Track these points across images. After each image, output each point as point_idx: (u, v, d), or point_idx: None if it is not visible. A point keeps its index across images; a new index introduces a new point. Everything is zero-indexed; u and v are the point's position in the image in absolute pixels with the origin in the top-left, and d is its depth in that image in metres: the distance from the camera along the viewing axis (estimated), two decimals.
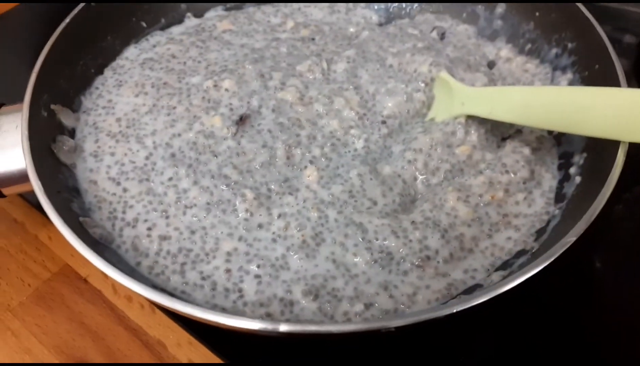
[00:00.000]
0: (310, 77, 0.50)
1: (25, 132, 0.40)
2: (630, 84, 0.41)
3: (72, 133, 0.46)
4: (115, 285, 0.44)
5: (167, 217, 0.41)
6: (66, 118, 0.46)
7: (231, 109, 0.47)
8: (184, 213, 0.41)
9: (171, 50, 0.54)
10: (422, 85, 0.48)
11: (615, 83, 0.41)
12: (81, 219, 0.39)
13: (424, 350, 0.40)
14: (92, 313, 0.43)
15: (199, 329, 0.41)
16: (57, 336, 0.42)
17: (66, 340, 0.42)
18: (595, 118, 0.37)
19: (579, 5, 0.47)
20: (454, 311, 0.30)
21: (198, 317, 0.31)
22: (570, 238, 0.33)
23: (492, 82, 0.50)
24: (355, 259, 0.39)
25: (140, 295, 0.40)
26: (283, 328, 0.30)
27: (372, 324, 0.31)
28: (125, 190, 0.43)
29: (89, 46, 0.49)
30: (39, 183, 0.37)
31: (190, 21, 0.58)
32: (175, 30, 0.57)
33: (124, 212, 0.42)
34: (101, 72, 0.51)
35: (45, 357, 0.41)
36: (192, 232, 0.41)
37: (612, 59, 0.42)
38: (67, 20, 0.47)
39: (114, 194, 0.43)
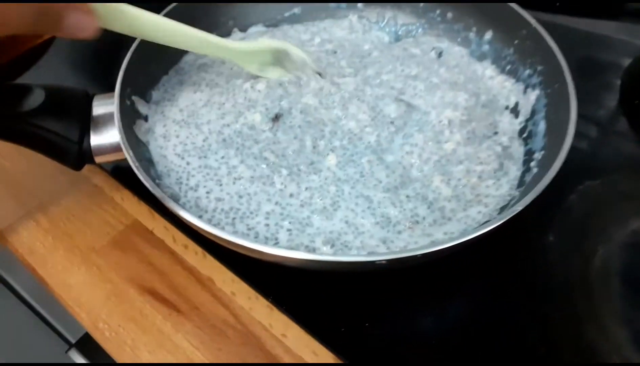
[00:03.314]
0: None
1: (118, 116, 0.52)
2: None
3: (145, 118, 0.59)
4: (174, 236, 0.57)
5: (220, 185, 0.54)
6: (142, 107, 0.59)
7: (267, 109, 0.60)
8: (234, 183, 0.55)
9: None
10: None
11: (566, 97, 0.54)
12: (157, 182, 0.52)
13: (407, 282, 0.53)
14: (157, 256, 0.56)
15: (241, 268, 0.54)
16: (131, 271, 0.55)
17: (138, 273, 0.55)
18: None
19: (547, 37, 0.60)
20: (422, 253, 0.43)
21: (249, 247, 0.44)
22: (518, 207, 0.46)
23: (474, 96, 0.62)
24: (362, 221, 0.52)
25: (194, 244, 0.54)
26: (311, 257, 0.43)
27: (370, 257, 0.44)
28: (188, 163, 0.56)
29: (159, 52, 0.62)
30: (130, 152, 0.50)
31: (236, 35, 0.71)
32: None
33: (187, 179, 0.55)
34: (166, 72, 0.64)
35: (122, 286, 0.54)
36: (240, 196, 0.54)
37: (567, 80, 0.55)
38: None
39: (179, 165, 0.56)
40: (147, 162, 0.55)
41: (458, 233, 0.52)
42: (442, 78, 0.64)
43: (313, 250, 0.50)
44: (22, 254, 0.56)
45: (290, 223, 0.52)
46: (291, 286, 0.52)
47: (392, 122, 0.60)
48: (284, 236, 0.51)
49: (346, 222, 0.52)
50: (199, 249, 0.56)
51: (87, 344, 0.86)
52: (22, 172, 0.63)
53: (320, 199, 0.53)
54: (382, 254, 0.46)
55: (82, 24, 0.43)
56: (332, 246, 0.50)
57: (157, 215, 0.59)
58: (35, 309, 0.96)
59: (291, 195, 0.54)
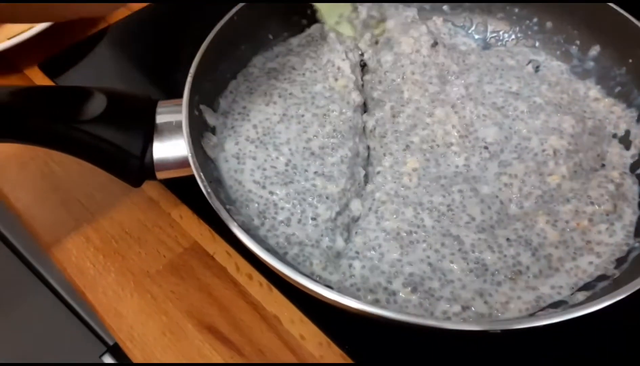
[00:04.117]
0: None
1: (186, 127, 0.46)
2: None
3: (213, 130, 0.53)
4: (238, 263, 0.51)
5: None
6: (210, 117, 0.53)
7: (348, 102, 0.56)
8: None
9: (291, 61, 0.60)
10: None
11: None
12: (227, 207, 0.46)
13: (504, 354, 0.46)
14: (218, 286, 0.50)
15: (311, 307, 0.48)
16: (189, 302, 0.49)
17: (197, 306, 0.49)
18: None
19: None
20: (554, 321, 0.36)
21: (318, 294, 0.37)
22: None
23: (581, 121, 0.54)
24: (451, 266, 0.45)
25: (259, 274, 0.48)
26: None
27: (483, 325, 0.37)
28: (271, 193, 0.49)
29: (228, 53, 0.56)
30: (201, 173, 0.44)
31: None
32: (294, 41, 0.64)
33: (276, 213, 0.48)
34: (234, 77, 0.58)
35: (179, 320, 0.48)
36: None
37: None
38: (217, 28, 0.54)
39: (261, 196, 0.48)
40: (217, 183, 0.48)
41: (568, 288, 0.45)
42: (545, 98, 0.56)
43: (393, 294, 0.44)
44: (70, 274, 0.51)
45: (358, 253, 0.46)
46: (370, 335, 0.46)
47: (486, 147, 0.53)
48: (357, 272, 0.45)
49: (429, 264, 0.45)
50: (264, 281, 0.50)
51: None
52: (73, 179, 0.58)
53: (393, 220, 0.47)
54: (497, 322, 0.39)
55: None
56: (414, 290, 0.44)
57: (218, 238, 0.53)
58: (74, 309, 0.92)
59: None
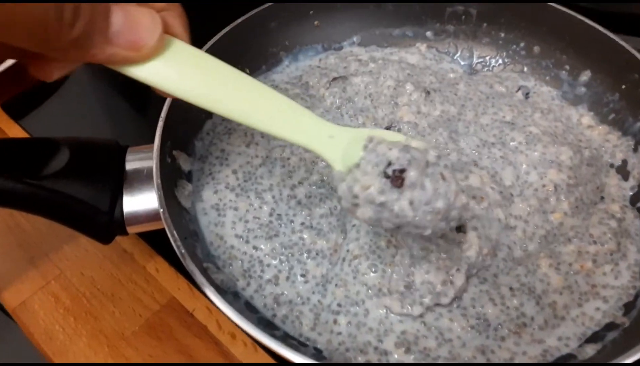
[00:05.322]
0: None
1: (157, 177, 0.43)
2: None
3: (188, 177, 0.49)
4: (219, 321, 0.48)
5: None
6: (184, 162, 0.49)
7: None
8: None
9: None
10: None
11: None
12: (204, 264, 0.42)
13: None
14: (199, 347, 0.46)
15: None
16: None
17: None
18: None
19: None
20: None
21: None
22: None
23: (578, 152, 0.52)
24: (449, 324, 0.41)
25: (243, 333, 0.44)
26: None
27: None
28: (255, 248, 0.45)
29: None
30: (174, 230, 0.40)
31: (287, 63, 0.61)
32: (277, 77, 0.60)
33: (262, 271, 0.44)
34: (210, 116, 0.54)
35: None
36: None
37: None
38: None
39: (245, 253, 0.45)
40: (192, 236, 0.45)
41: (575, 339, 0.42)
42: (541, 127, 0.53)
43: (385, 353, 0.40)
44: (38, 340, 0.47)
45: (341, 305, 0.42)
46: None
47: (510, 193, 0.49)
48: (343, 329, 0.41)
49: (423, 323, 0.42)
50: (249, 341, 0.46)
51: None
52: (40, 232, 0.54)
53: (374, 271, 0.43)
54: None
55: (139, 36, 0.30)
56: (408, 351, 0.40)
57: (197, 292, 0.49)
58: None
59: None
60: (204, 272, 0.40)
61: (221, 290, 0.41)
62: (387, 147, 0.35)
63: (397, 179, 0.33)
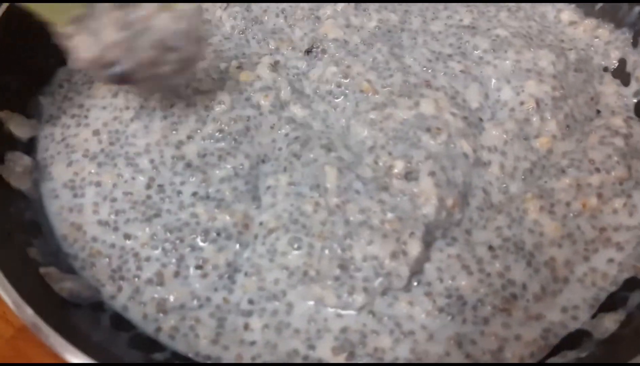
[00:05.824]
0: None
1: None
2: None
3: (27, 147, 0.35)
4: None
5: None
6: (18, 128, 0.35)
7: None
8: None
9: None
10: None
11: None
12: (42, 270, 0.29)
13: None
14: None
15: None
16: None
17: None
18: None
19: None
20: None
21: None
22: None
23: (561, 55, 0.40)
24: (411, 310, 0.30)
25: None
26: None
27: None
28: (128, 237, 0.32)
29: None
30: None
31: None
32: None
33: (139, 269, 0.31)
34: (63, 63, 0.39)
35: None
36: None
37: None
38: None
39: (113, 245, 0.32)
40: (27, 231, 0.32)
41: (587, 308, 0.32)
42: (510, 29, 0.43)
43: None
44: None
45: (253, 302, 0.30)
46: None
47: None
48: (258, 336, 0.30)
49: (371, 313, 0.30)
50: None
51: None
52: None
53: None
54: None
55: None
56: (352, 356, 0.29)
57: None
58: None
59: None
60: (38, 283, 0.27)
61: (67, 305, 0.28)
62: None
63: None
